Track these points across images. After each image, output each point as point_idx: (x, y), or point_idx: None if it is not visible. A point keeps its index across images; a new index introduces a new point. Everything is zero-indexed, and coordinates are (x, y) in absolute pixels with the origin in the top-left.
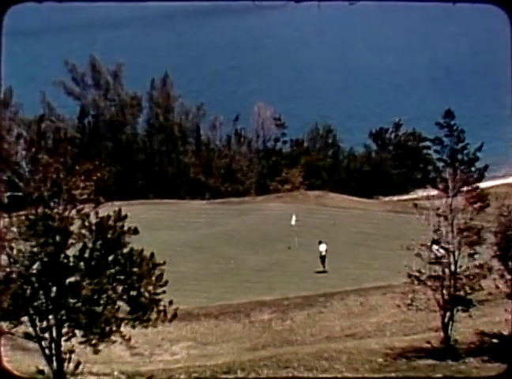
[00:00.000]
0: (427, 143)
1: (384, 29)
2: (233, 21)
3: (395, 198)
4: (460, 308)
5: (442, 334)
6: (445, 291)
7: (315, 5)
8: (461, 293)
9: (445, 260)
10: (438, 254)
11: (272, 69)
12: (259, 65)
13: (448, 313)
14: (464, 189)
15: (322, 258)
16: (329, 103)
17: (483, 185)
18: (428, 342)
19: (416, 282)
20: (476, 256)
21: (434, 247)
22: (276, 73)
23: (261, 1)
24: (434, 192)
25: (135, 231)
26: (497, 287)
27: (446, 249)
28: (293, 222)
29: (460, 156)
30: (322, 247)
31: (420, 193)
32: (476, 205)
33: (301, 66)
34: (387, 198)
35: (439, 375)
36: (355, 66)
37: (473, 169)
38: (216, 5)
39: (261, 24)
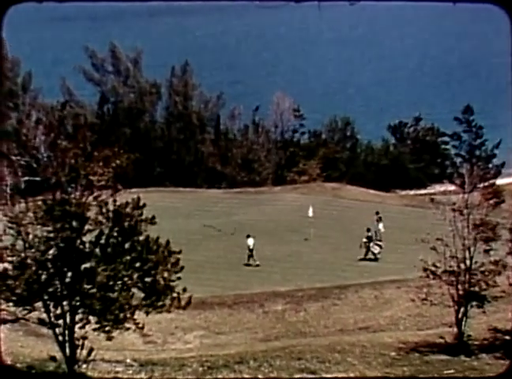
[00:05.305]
0: (446, 138)
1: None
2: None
3: (412, 192)
4: (474, 304)
5: (455, 329)
6: (460, 286)
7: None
8: (476, 289)
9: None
10: (375, 251)
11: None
12: None
13: (462, 309)
14: (481, 185)
15: (250, 252)
16: None
17: (499, 181)
18: (442, 337)
19: (431, 276)
20: (491, 252)
21: (370, 244)
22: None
23: (261, 2)
24: (451, 187)
25: (152, 221)
26: (510, 284)
27: (380, 246)
28: (310, 213)
29: (478, 152)
30: (250, 241)
31: (437, 187)
32: (491, 201)
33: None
34: (404, 192)
35: (451, 371)
36: None
37: (490, 165)
38: None
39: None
